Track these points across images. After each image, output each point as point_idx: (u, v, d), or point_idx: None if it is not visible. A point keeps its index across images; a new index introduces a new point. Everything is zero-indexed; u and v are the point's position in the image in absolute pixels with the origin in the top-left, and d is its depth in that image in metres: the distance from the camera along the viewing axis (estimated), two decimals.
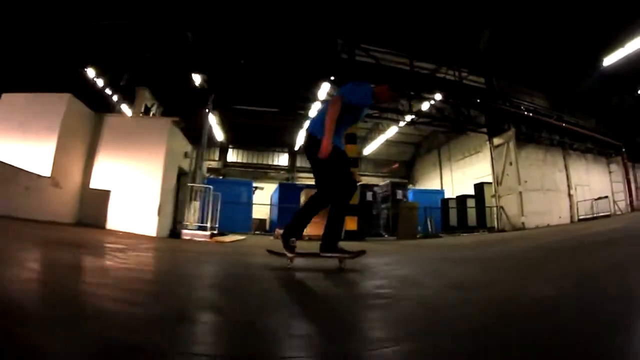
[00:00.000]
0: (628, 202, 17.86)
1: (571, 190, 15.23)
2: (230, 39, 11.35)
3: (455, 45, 12.36)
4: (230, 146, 23.46)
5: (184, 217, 9.19)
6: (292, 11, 10.87)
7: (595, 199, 16.43)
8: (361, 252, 2.85)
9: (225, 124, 19.75)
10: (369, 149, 22.49)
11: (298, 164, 23.56)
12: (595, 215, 16.21)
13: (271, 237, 10.71)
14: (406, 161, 25.26)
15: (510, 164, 13.12)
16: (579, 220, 15.67)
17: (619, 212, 17.97)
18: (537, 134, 14.11)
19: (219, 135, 20.63)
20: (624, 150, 17.99)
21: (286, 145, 23.20)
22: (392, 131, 19.13)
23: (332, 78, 11.91)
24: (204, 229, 9.07)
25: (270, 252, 3.01)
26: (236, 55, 11.53)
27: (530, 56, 13.51)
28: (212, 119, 17.90)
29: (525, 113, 13.23)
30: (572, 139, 16.11)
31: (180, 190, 9.36)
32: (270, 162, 24.19)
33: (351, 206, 2.98)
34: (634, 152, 20.67)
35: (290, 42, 11.88)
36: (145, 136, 7.96)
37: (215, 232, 9.28)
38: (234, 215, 13.88)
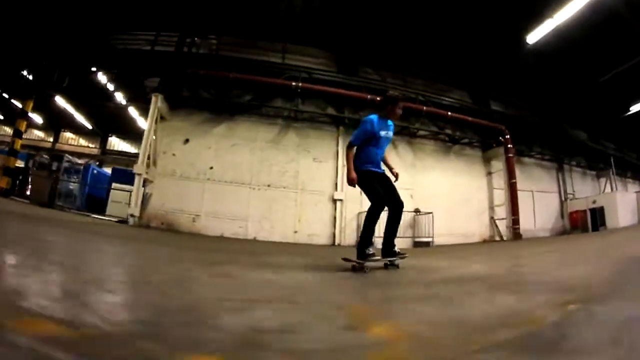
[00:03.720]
0: (511, 222, 10.73)
1: (335, 193, 9.61)
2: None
3: None
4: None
5: None
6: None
7: (417, 213, 10.20)
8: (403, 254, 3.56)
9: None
10: None
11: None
12: (414, 238, 9.96)
13: None
14: None
15: (187, 141, 8.87)
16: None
17: (497, 238, 10.89)
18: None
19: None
20: (508, 137, 11.06)
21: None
22: None
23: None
24: None
25: (346, 259, 3.35)
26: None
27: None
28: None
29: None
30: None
31: None
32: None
33: None
34: (565, 144, 12.83)
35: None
36: None
37: None
38: None
